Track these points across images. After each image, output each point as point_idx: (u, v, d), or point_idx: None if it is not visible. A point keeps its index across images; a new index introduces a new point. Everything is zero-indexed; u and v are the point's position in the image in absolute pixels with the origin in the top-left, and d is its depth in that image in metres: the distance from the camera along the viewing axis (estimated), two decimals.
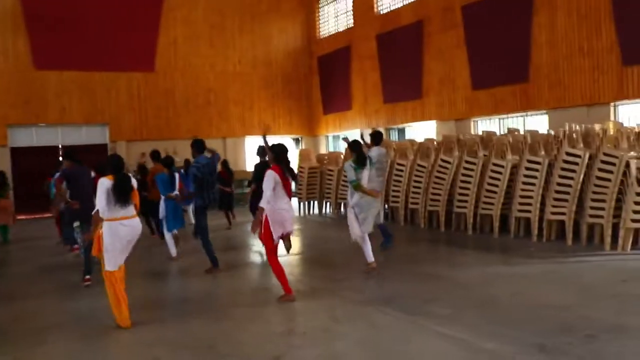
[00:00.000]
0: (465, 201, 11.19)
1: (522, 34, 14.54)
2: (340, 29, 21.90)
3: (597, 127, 10.58)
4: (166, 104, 20.37)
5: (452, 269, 8.20)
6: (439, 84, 17.30)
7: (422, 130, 18.28)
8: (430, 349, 5.01)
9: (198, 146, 8.71)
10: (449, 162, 11.66)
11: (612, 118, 12.98)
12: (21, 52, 18.60)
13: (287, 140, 23.11)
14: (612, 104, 13.10)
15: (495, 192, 10.67)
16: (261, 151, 10.88)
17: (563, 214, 9.58)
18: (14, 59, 18.52)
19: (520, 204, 10.23)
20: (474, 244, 10.22)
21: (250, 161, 20.43)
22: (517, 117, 15.36)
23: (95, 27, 19.28)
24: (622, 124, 10.61)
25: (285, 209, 6.65)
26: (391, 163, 13.17)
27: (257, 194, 11.36)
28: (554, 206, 9.70)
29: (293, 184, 7.36)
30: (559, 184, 9.61)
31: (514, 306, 6.16)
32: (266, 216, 6.50)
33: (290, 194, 6.83)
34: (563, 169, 9.57)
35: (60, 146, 19.30)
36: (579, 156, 9.40)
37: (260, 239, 6.75)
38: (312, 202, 16.43)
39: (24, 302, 7.57)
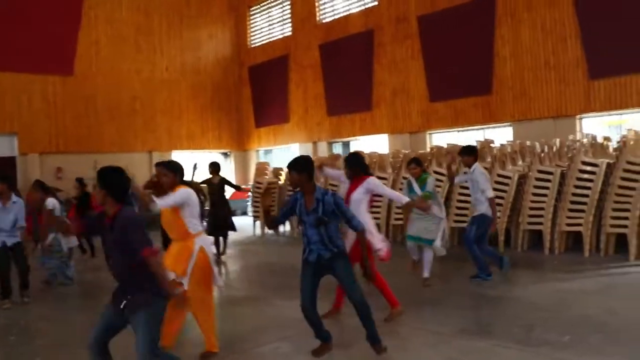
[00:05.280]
0: (465, 215, 10.63)
1: (483, 46, 14.47)
2: (275, 38, 20.87)
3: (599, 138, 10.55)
4: (86, 112, 18.04)
5: (506, 288, 7.46)
6: (391, 96, 16.84)
7: (370, 144, 17.68)
8: None
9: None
10: (443, 175, 11.06)
11: (577, 130, 13.21)
12: None
13: (215, 156, 21.62)
14: (577, 116, 13.31)
15: (500, 205, 10.20)
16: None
17: (579, 224, 9.31)
18: None
19: (530, 215, 9.86)
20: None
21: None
22: (479, 129, 15.23)
23: (4, 21, 16.65)
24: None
25: None
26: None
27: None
28: (569, 217, 9.41)
29: None
30: (574, 194, 9.35)
31: (630, 326, 5.54)
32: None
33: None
34: (579, 179, 9.32)
35: None
36: (596, 165, 9.20)
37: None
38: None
39: None
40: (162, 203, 5.10)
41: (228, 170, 21.49)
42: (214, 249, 5.45)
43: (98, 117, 18.29)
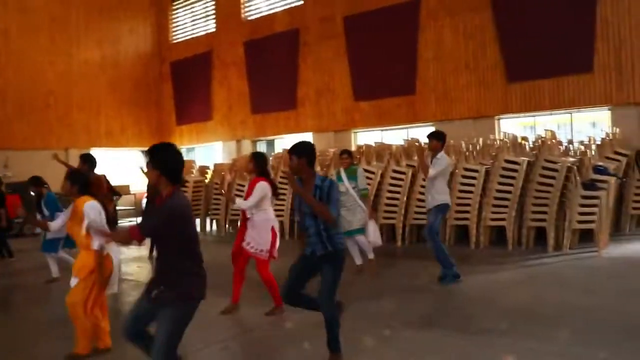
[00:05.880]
0: (394, 212, 10.92)
1: (408, 48, 14.91)
2: (199, 34, 20.48)
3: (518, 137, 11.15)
4: None
5: (435, 281, 7.74)
6: (316, 94, 16.99)
7: (294, 143, 17.69)
8: None
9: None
10: (373, 173, 11.30)
11: (496, 131, 13.91)
12: None
13: (135, 153, 20.94)
14: (496, 117, 14.01)
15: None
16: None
17: (503, 219, 9.81)
18: None
19: (457, 211, 10.27)
20: (421, 255, 9.89)
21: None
22: (402, 128, 15.67)
23: None
24: (553, 132, 11.31)
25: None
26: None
27: None
28: (493, 212, 9.90)
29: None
30: (498, 191, 9.84)
31: (556, 311, 5.93)
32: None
33: None
34: (502, 176, 9.83)
35: None
36: (518, 163, 9.74)
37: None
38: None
39: None
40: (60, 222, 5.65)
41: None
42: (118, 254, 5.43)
43: (7, 112, 17.19)
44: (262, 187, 6.13)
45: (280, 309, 6.24)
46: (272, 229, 6.22)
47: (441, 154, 7.36)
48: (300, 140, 4.90)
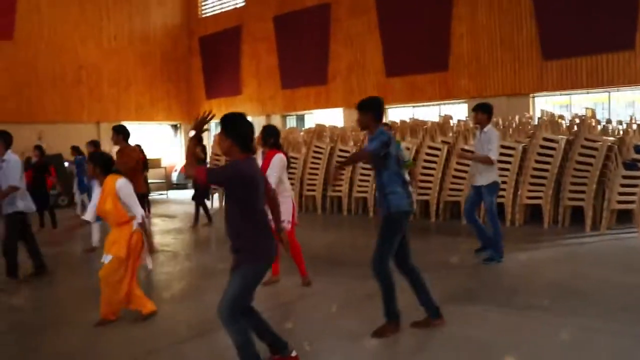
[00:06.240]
0: (429, 188, 10.88)
1: (440, 23, 14.70)
2: (228, 8, 20.42)
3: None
4: (27, 79, 17.10)
5: (472, 257, 7.72)
6: (347, 70, 16.89)
7: (324, 118, 17.68)
8: (598, 345, 4.46)
9: None
10: (408, 149, 11.23)
11: (530, 108, 13.71)
12: None
13: (165, 128, 21.16)
14: (531, 95, 13.80)
15: (463, 178, 10.50)
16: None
17: (539, 198, 9.72)
18: None
19: None
20: (455, 231, 9.88)
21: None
22: (434, 105, 15.53)
23: None
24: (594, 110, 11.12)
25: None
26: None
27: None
28: (529, 191, 9.81)
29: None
30: (535, 169, 9.73)
31: (597, 289, 5.89)
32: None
33: None
34: (539, 154, 9.71)
35: None
36: (556, 141, 9.61)
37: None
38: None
39: None
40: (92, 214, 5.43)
41: (178, 144, 21.11)
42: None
43: (40, 86, 17.40)
44: (280, 159, 6.12)
45: (305, 279, 6.42)
46: (291, 198, 6.38)
47: (489, 128, 7.10)
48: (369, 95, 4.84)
